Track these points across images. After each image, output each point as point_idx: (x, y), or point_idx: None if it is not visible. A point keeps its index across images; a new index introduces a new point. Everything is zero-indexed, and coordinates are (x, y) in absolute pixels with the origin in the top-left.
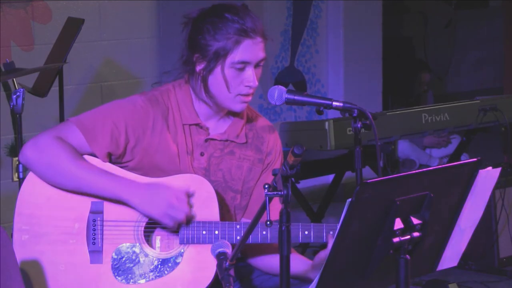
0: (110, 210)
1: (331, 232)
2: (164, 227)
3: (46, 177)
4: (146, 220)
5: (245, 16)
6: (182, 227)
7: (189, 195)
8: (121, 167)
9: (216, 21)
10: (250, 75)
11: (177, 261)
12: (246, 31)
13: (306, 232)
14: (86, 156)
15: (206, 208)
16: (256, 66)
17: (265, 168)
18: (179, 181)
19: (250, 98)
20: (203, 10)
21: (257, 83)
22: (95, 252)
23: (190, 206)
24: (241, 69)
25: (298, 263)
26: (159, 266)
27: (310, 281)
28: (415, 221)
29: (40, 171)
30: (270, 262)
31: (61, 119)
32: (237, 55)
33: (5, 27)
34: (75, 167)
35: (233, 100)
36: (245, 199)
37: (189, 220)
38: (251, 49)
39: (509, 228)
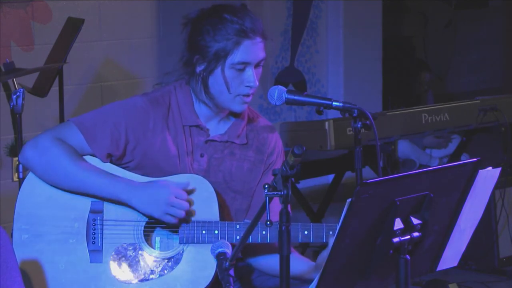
0: (110, 210)
1: (330, 232)
2: (164, 227)
3: (46, 177)
4: (145, 219)
5: (244, 16)
6: (182, 224)
7: (188, 192)
8: (122, 167)
9: (215, 22)
10: (251, 75)
11: (177, 260)
12: (246, 32)
13: (306, 232)
14: (87, 157)
15: (206, 207)
16: (257, 66)
17: (267, 169)
18: (180, 181)
19: (250, 98)
20: (202, 11)
21: (257, 83)
22: (95, 252)
23: (190, 203)
24: (241, 70)
25: (301, 264)
26: (159, 265)
27: (311, 282)
28: (415, 221)
29: (40, 171)
30: (271, 262)
31: (61, 119)
32: (237, 56)
33: (5, 27)
34: (74, 168)
35: (233, 100)
36: (246, 200)
37: (189, 216)
38: (251, 50)
39: (509, 228)
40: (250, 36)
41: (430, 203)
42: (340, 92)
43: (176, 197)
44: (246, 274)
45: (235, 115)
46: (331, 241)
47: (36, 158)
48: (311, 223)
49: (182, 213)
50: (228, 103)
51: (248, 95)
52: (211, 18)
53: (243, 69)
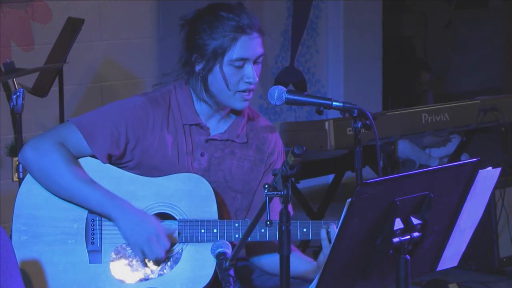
0: None
1: (323, 225)
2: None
3: (41, 182)
4: None
5: (241, 13)
6: (182, 224)
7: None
8: (120, 167)
9: (212, 20)
10: (250, 72)
11: (176, 259)
12: (243, 28)
13: (305, 230)
14: (86, 158)
15: (205, 206)
16: (255, 62)
17: (267, 169)
18: (177, 180)
19: (251, 95)
20: (198, 11)
21: (257, 79)
22: (94, 252)
23: (168, 250)
24: (240, 67)
25: (304, 263)
26: (158, 265)
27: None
28: (415, 221)
29: (36, 175)
30: (274, 262)
31: (61, 119)
32: (235, 52)
33: (5, 27)
34: (70, 178)
35: (233, 98)
36: (247, 200)
37: (159, 262)
38: (248, 45)
39: (509, 228)
40: (247, 32)
41: (430, 203)
42: (340, 92)
43: (157, 239)
44: (246, 274)
45: (235, 113)
46: (323, 232)
47: (35, 161)
48: (310, 221)
49: (153, 256)
50: (229, 101)
51: (248, 92)
52: (208, 16)
53: (242, 66)
